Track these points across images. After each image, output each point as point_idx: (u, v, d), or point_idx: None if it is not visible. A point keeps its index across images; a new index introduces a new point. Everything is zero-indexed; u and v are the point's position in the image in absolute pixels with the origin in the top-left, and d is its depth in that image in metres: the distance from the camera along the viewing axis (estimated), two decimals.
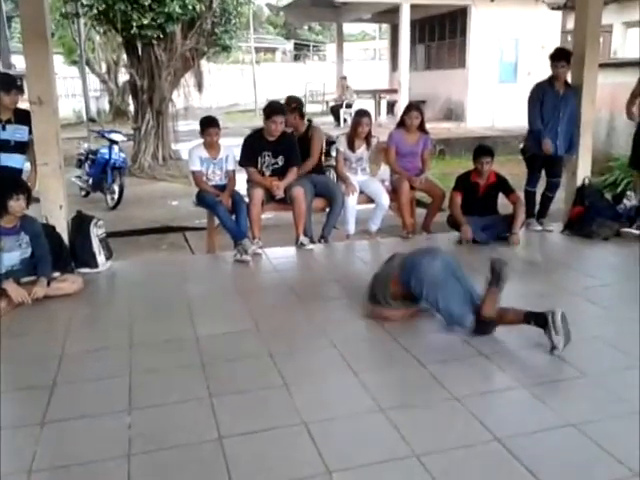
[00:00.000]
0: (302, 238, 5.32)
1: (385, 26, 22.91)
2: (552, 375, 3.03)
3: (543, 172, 5.81)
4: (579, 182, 5.77)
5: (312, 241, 5.43)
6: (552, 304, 3.84)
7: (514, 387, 2.89)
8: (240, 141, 5.50)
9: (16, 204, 3.99)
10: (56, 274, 4.28)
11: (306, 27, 38.53)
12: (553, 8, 13.93)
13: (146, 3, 9.57)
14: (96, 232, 4.81)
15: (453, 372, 3.02)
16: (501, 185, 5.46)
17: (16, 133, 4.66)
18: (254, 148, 5.35)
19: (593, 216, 5.45)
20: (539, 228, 5.76)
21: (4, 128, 4.61)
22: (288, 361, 3.16)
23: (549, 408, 2.67)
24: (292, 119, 5.58)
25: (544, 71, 6.04)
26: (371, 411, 2.67)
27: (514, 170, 7.24)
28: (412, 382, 2.96)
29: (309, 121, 5.89)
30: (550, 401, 2.73)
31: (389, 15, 17.60)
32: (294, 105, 5.69)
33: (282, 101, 5.86)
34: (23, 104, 4.78)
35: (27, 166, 4.86)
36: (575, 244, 5.42)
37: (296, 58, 37.55)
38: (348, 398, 2.83)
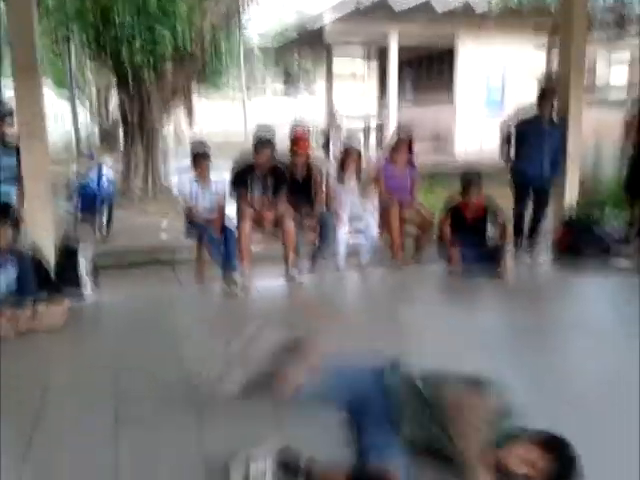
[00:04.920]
0: (292, 270, 5.27)
1: (374, 64, 23.28)
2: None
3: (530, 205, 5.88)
4: (567, 211, 5.82)
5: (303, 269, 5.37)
6: (545, 338, 3.80)
7: None
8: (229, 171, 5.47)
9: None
10: (41, 304, 4.16)
11: (296, 64, 39.06)
12: (538, 48, 14.26)
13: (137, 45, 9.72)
14: (83, 261, 4.76)
15: None
16: (489, 215, 5.48)
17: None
18: (244, 180, 5.32)
19: (581, 245, 5.49)
20: (528, 259, 5.76)
21: None
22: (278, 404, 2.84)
23: None
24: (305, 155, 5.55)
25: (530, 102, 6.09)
26: None
27: (502, 202, 7.24)
28: None
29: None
30: None
31: (378, 54, 17.96)
32: (306, 142, 5.61)
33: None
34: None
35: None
36: (564, 275, 5.41)
37: (286, 93, 37.95)
38: None
